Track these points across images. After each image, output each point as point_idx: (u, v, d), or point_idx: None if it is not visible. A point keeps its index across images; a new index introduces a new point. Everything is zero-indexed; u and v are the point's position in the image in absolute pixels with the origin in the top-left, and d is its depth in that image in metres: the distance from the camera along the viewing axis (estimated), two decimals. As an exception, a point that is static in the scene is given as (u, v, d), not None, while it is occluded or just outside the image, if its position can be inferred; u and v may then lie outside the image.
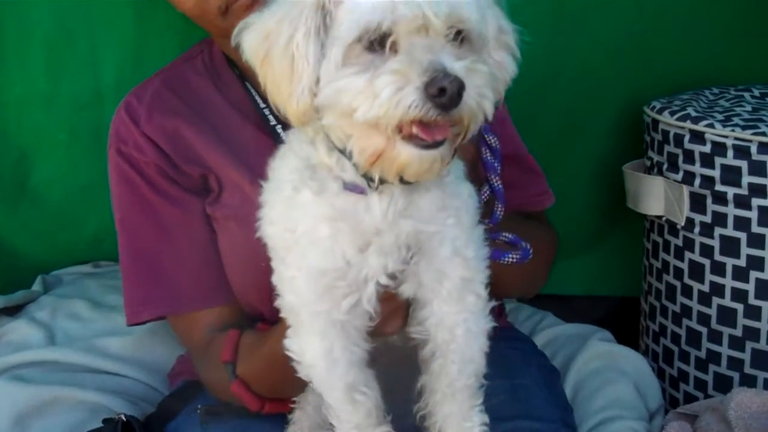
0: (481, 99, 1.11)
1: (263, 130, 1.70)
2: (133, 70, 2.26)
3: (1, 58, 2.22)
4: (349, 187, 1.27)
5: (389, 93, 1.07)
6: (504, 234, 1.65)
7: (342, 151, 1.23)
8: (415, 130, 1.10)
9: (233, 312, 1.77)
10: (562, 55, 2.42)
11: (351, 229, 1.27)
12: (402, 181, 1.23)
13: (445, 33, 1.12)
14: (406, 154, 1.12)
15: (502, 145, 1.75)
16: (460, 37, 1.15)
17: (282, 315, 1.40)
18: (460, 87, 1.07)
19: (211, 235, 1.77)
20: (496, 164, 1.65)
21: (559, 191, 2.06)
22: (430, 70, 1.06)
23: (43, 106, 2.30)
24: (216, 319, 1.76)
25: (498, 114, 1.71)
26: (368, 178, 1.24)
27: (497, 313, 2.08)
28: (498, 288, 1.89)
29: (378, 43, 1.12)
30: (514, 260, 1.61)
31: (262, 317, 1.70)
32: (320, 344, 1.34)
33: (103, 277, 2.57)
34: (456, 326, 1.37)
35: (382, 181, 1.24)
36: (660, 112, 2.22)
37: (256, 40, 1.20)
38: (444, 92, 1.06)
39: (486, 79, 1.12)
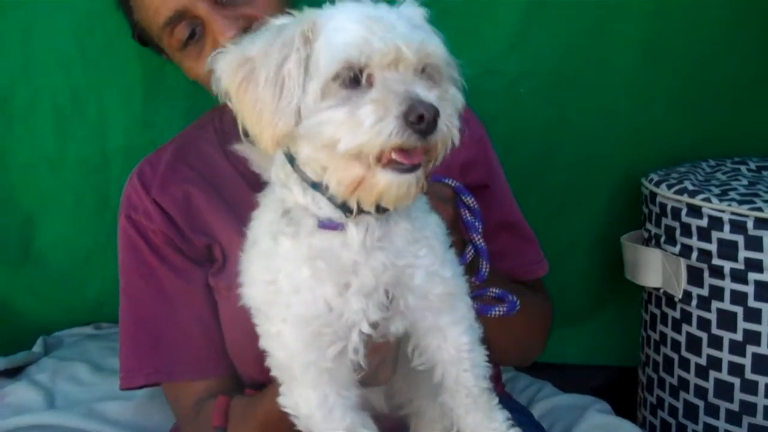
0: (451, 126, 1.19)
1: None
2: (141, 134, 2.30)
3: (9, 123, 2.26)
4: (324, 224, 1.32)
5: (371, 122, 1.14)
6: (491, 289, 1.70)
7: (316, 187, 1.28)
8: (394, 155, 1.17)
9: (225, 383, 1.79)
10: (561, 125, 2.45)
11: (330, 268, 1.31)
12: (377, 209, 1.29)
13: (414, 67, 1.20)
14: (385, 180, 1.19)
15: (499, 213, 1.80)
16: (425, 71, 1.22)
17: (273, 374, 1.42)
18: (436, 114, 1.15)
19: (210, 307, 1.80)
20: (477, 224, 1.70)
21: (558, 260, 2.09)
22: (407, 100, 1.14)
23: (49, 170, 2.32)
24: (207, 390, 1.78)
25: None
26: (345, 210, 1.29)
27: (493, 379, 2.09)
28: (493, 353, 1.91)
29: (354, 78, 1.19)
30: (501, 313, 1.66)
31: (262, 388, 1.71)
32: (314, 394, 1.36)
33: (104, 339, 2.59)
34: (460, 335, 1.42)
35: (359, 211, 1.29)
36: (657, 184, 2.25)
37: (234, 65, 1.25)
38: (422, 119, 1.13)
39: (453, 109, 1.22)
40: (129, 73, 2.25)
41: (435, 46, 1.23)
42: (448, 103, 1.21)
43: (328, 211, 1.31)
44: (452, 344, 1.42)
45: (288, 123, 1.21)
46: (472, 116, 2.02)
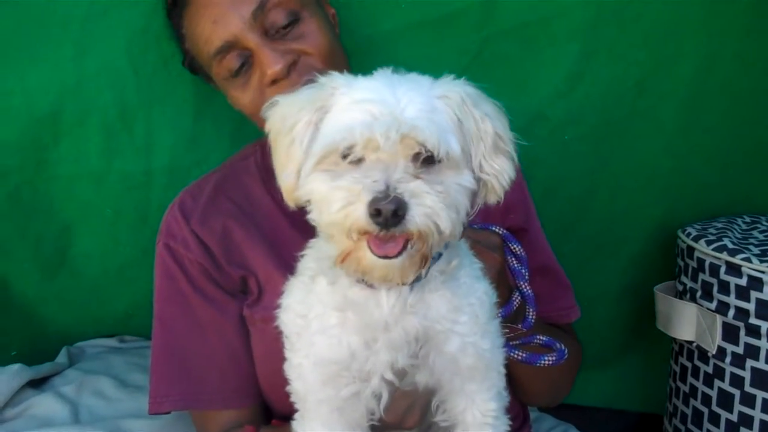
0: (430, 218, 1.19)
1: (308, 234, 1.74)
2: (186, 154, 2.29)
3: (57, 136, 2.24)
4: (362, 280, 1.34)
5: (338, 206, 1.18)
6: (538, 337, 1.73)
7: None
8: (370, 243, 1.20)
9: (252, 414, 1.83)
10: (602, 173, 2.48)
11: (359, 321, 1.34)
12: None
13: (403, 153, 1.21)
14: (369, 258, 1.21)
15: (534, 257, 1.82)
16: (421, 156, 1.22)
17: (291, 399, 1.45)
18: (399, 208, 1.15)
19: (242, 339, 1.83)
20: (523, 271, 1.73)
21: (589, 304, 2.12)
22: (373, 191, 1.16)
23: (92, 183, 2.31)
24: (234, 420, 1.81)
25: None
26: None
27: (521, 421, 2.11)
28: (527, 394, 1.94)
29: (345, 155, 1.22)
30: (551, 362, 1.68)
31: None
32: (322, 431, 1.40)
33: (128, 354, 2.58)
34: (488, 401, 1.44)
35: None
36: (696, 239, 2.27)
37: (275, 117, 1.31)
38: (380, 213, 1.15)
39: (437, 199, 1.20)
40: (180, 93, 2.25)
41: (426, 133, 1.21)
42: (428, 195, 1.19)
43: None
44: (479, 408, 1.44)
45: (290, 181, 1.27)
46: None
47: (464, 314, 1.38)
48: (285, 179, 1.29)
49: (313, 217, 1.28)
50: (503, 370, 1.47)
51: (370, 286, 1.34)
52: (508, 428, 1.48)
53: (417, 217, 1.17)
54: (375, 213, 1.15)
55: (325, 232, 1.27)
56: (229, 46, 1.77)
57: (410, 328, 1.34)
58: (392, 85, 1.27)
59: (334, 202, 1.18)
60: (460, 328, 1.37)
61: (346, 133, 1.20)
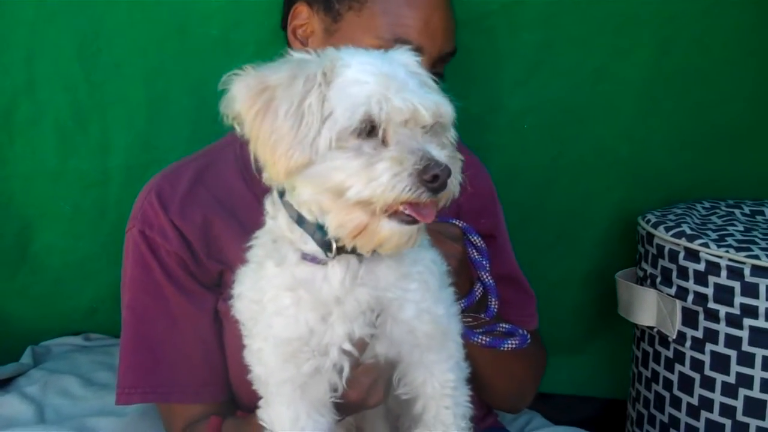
0: (456, 183, 1.26)
1: None
2: (142, 154, 2.31)
3: (11, 135, 2.27)
4: (308, 258, 1.36)
5: (388, 177, 1.19)
6: (501, 324, 1.75)
7: (301, 223, 1.33)
8: (407, 210, 1.23)
9: (220, 409, 1.81)
10: (561, 161, 2.50)
11: (311, 298, 1.35)
12: (353, 251, 1.33)
13: (424, 125, 1.25)
14: (389, 229, 1.24)
15: (501, 265, 1.85)
16: (433, 128, 1.28)
17: (254, 387, 1.46)
18: (449, 173, 1.21)
19: (215, 333, 1.81)
20: (484, 262, 1.75)
21: (551, 291, 2.14)
22: (424, 159, 1.20)
23: (50, 181, 2.33)
24: (201, 413, 1.80)
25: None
26: (326, 249, 1.33)
27: (486, 409, 2.12)
28: (491, 394, 1.94)
29: (368, 129, 1.22)
30: (514, 346, 1.69)
31: None
32: (287, 412, 1.40)
33: (94, 352, 2.56)
34: (446, 372, 1.45)
35: (339, 251, 1.33)
36: (655, 226, 2.29)
37: (252, 91, 1.25)
38: (437, 178, 1.20)
39: (459, 166, 1.28)
40: (133, 96, 2.28)
41: (446, 107, 1.30)
42: (457, 161, 1.28)
43: (313, 247, 1.35)
44: (438, 380, 1.45)
45: (304, 155, 1.22)
46: (481, 166, 2.07)
47: (413, 281, 1.40)
48: (294, 154, 1.22)
49: (308, 196, 1.28)
50: (460, 340, 1.49)
51: (318, 262, 1.35)
52: (468, 398, 1.49)
53: (452, 183, 1.23)
54: (431, 179, 1.19)
55: (329, 208, 1.26)
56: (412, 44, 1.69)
57: (362, 299, 1.36)
58: (381, 58, 1.31)
59: (381, 174, 1.19)
60: (412, 295, 1.39)
61: (381, 103, 1.21)
